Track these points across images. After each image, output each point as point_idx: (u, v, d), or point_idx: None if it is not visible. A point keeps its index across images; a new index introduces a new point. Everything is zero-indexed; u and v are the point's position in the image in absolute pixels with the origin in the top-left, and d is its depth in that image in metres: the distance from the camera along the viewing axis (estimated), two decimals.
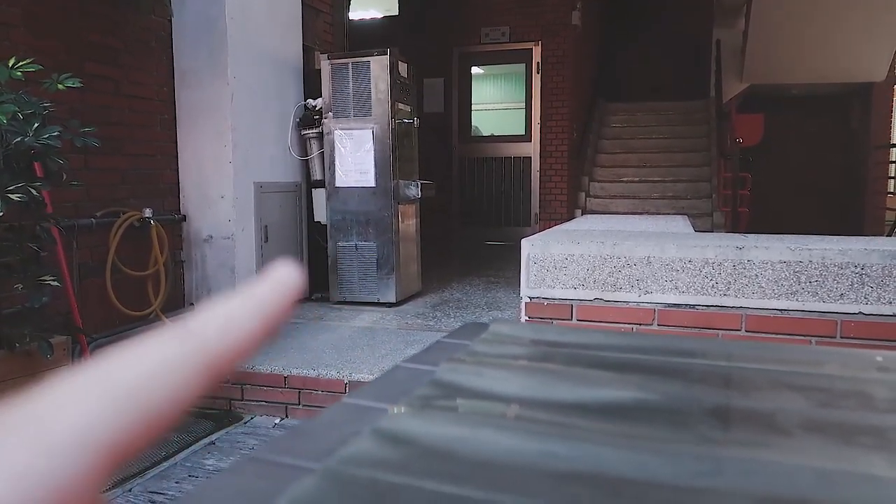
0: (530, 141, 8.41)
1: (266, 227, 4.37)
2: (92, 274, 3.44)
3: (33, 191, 2.33)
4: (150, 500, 2.33)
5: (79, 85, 2.62)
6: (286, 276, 0.21)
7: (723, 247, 2.17)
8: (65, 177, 2.66)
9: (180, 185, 4.18)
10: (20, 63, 2.43)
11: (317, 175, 4.68)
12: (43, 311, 2.58)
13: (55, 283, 2.59)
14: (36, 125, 2.36)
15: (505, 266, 6.31)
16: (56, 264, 2.91)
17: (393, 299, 4.47)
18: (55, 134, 2.38)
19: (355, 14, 7.48)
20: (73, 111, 3.28)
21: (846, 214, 10.22)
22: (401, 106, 4.50)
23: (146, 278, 3.76)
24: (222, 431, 2.93)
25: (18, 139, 2.32)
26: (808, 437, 0.56)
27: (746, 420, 0.61)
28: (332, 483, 0.46)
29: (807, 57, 8.79)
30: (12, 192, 2.25)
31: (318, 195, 4.68)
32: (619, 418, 0.58)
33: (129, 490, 2.38)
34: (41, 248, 2.61)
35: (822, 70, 8.96)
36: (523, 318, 2.39)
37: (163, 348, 0.18)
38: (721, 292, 2.17)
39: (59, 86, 2.55)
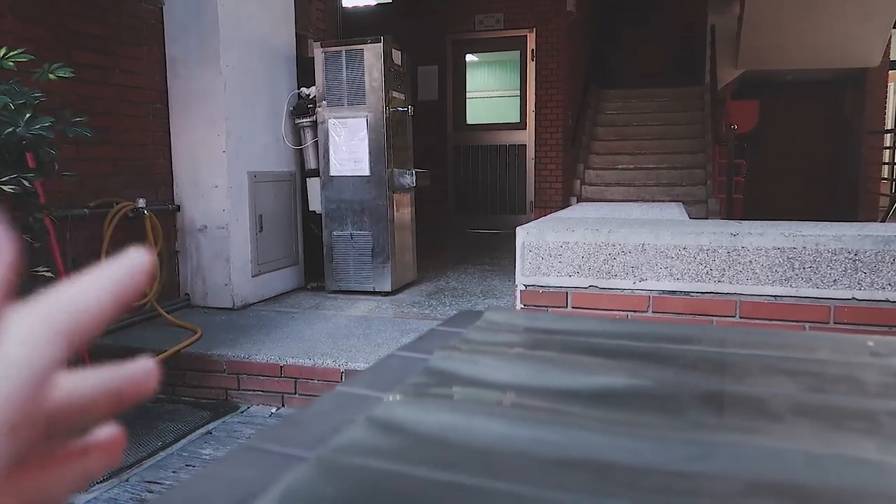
0: (525, 128, 8.39)
1: (260, 216, 4.36)
2: (86, 265, 3.41)
3: (25, 182, 2.32)
4: (147, 490, 2.33)
5: (71, 75, 2.59)
6: (137, 258, 0.24)
7: (717, 234, 2.18)
8: (57, 167, 2.64)
9: (174, 174, 4.16)
10: (11, 53, 2.41)
11: (311, 164, 4.67)
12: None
13: (49, 275, 2.58)
14: (27, 116, 2.34)
15: (500, 254, 6.31)
16: (50, 256, 2.90)
17: (388, 288, 4.47)
18: (47, 124, 2.36)
19: (348, 1, 7.42)
20: (64, 101, 3.25)
21: (840, 200, 10.24)
22: (395, 94, 4.48)
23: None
24: (219, 421, 2.94)
25: (10, 130, 2.30)
26: (799, 421, 0.56)
27: (738, 405, 0.62)
28: (326, 471, 0.46)
29: (802, 43, 8.78)
30: (5, 183, 2.24)
31: (313, 184, 4.66)
32: (611, 405, 0.58)
33: (127, 480, 2.39)
34: (34, 240, 2.60)
35: (816, 56, 8.95)
36: (518, 305, 2.39)
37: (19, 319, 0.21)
38: (715, 279, 2.18)
39: (51, 76, 2.53)
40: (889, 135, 9.62)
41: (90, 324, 0.22)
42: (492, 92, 9.04)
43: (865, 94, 9.67)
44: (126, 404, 0.24)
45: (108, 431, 0.26)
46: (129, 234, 3.67)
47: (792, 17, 8.60)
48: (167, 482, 2.39)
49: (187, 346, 3.26)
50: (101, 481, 2.37)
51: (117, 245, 3.55)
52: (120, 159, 3.76)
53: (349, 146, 4.43)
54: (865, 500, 0.44)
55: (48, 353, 0.20)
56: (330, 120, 4.44)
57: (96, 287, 0.23)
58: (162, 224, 3.91)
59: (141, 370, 0.25)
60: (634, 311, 2.26)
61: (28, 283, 2.50)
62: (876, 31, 8.62)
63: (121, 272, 0.23)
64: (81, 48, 3.49)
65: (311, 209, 4.73)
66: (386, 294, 4.49)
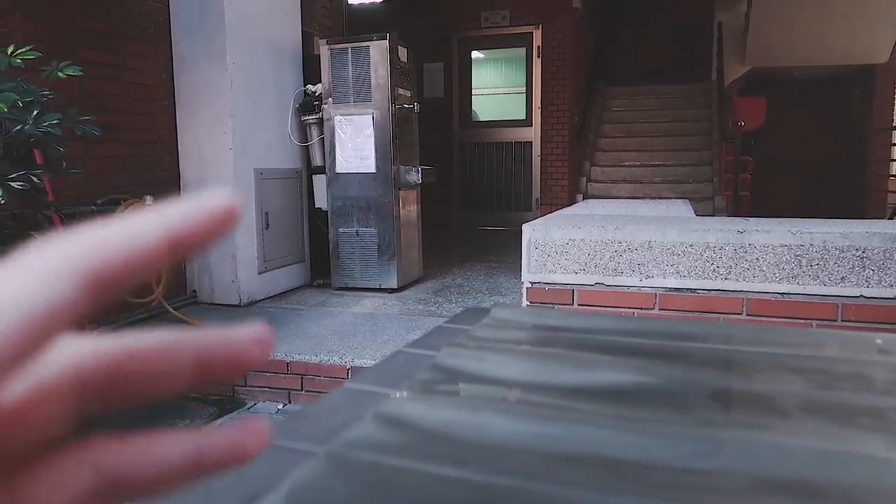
0: (531, 125, 8.37)
1: (267, 213, 4.37)
2: None
3: (34, 178, 2.33)
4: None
5: (80, 73, 2.60)
6: (214, 196, 0.20)
7: (724, 231, 2.17)
8: (65, 164, 2.65)
9: (180, 171, 4.17)
10: (19, 51, 2.42)
11: (317, 161, 4.67)
12: None
13: None
14: (36, 113, 2.35)
15: (506, 251, 6.31)
16: None
17: (394, 285, 4.47)
18: (55, 122, 2.38)
19: None
20: (72, 98, 3.27)
21: (848, 198, 10.19)
22: (401, 91, 4.48)
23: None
24: (226, 417, 2.95)
25: (18, 127, 2.31)
26: (806, 418, 0.56)
27: (746, 402, 0.62)
28: (335, 466, 0.46)
29: (809, 39, 8.73)
30: (13, 180, 2.25)
31: (319, 181, 4.67)
32: (619, 401, 0.58)
33: None
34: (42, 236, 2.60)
35: (824, 53, 8.90)
36: (525, 303, 2.39)
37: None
38: (722, 276, 2.17)
39: (60, 74, 2.54)
40: None
41: (125, 263, 0.18)
42: (498, 89, 9.03)
43: (873, 90, 9.61)
44: (218, 378, 0.21)
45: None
46: None
47: (800, 13, 8.55)
48: None
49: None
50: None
51: None
52: (127, 156, 3.78)
53: (355, 143, 4.43)
54: (873, 496, 0.44)
55: (54, 289, 0.17)
56: (336, 117, 4.44)
57: (143, 222, 0.19)
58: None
59: (248, 336, 0.21)
60: (641, 309, 2.26)
61: None
62: (884, 28, 8.56)
63: (186, 210, 0.19)
64: (89, 46, 3.50)
65: (317, 206, 4.73)
66: (392, 291, 4.50)
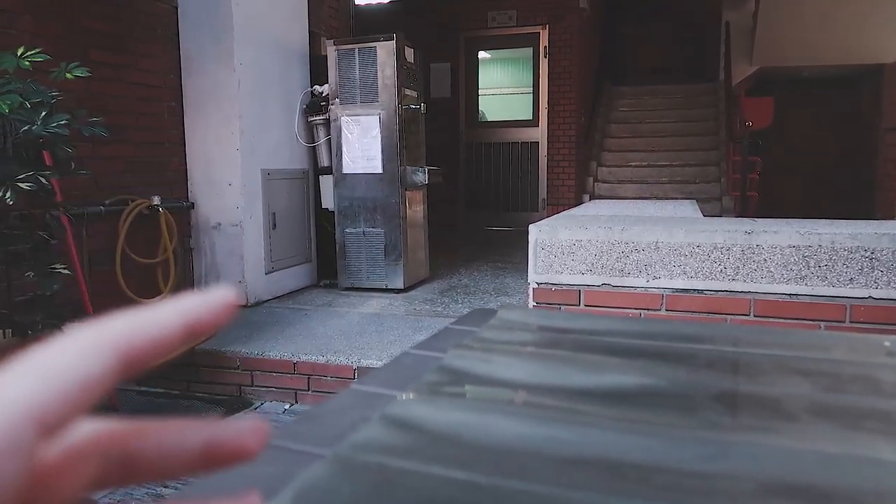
0: (538, 126, 8.37)
1: (274, 213, 4.38)
2: (102, 262, 3.46)
3: (42, 179, 2.34)
4: (162, 485, 2.36)
5: (87, 74, 2.62)
6: (219, 294, 0.23)
7: (731, 231, 2.16)
8: (73, 165, 2.67)
9: (188, 172, 4.19)
10: (28, 52, 2.43)
11: (324, 162, 4.68)
12: (54, 298, 2.60)
13: (66, 271, 2.61)
14: (44, 114, 2.36)
15: (513, 252, 6.30)
16: (66, 252, 2.93)
17: (401, 285, 4.48)
18: (63, 122, 2.39)
19: None
20: (80, 99, 3.28)
21: (856, 198, 10.13)
22: (407, 91, 4.48)
23: (155, 266, 3.79)
24: (232, 417, 2.96)
25: (27, 128, 2.32)
26: (814, 421, 0.56)
27: (753, 405, 0.62)
28: (342, 468, 0.46)
29: (818, 39, 8.68)
30: (22, 180, 2.27)
31: (326, 182, 4.68)
32: (625, 404, 0.58)
33: None
34: (51, 237, 2.62)
35: (833, 52, 8.85)
36: (531, 303, 2.39)
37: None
38: (730, 277, 2.17)
39: (68, 75, 2.56)
40: None
41: (150, 346, 0.21)
42: (504, 89, 9.02)
43: (882, 90, 9.55)
44: (220, 464, 0.23)
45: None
46: (144, 231, 3.70)
47: (808, 12, 8.51)
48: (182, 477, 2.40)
49: (201, 343, 3.28)
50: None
51: (132, 242, 3.58)
52: (135, 157, 3.79)
53: (362, 144, 4.44)
54: (881, 500, 0.43)
55: (95, 363, 0.20)
56: (343, 118, 4.45)
57: (165, 313, 0.22)
58: (176, 221, 3.94)
59: (246, 429, 0.24)
60: (648, 310, 2.26)
61: (45, 279, 2.52)
62: (893, 27, 8.51)
63: (197, 303, 0.23)
64: (96, 47, 3.52)
65: (323, 207, 4.74)
66: (398, 291, 4.50)
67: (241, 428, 0.24)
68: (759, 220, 2.39)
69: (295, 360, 3.12)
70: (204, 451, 0.23)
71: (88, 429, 0.22)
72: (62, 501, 0.21)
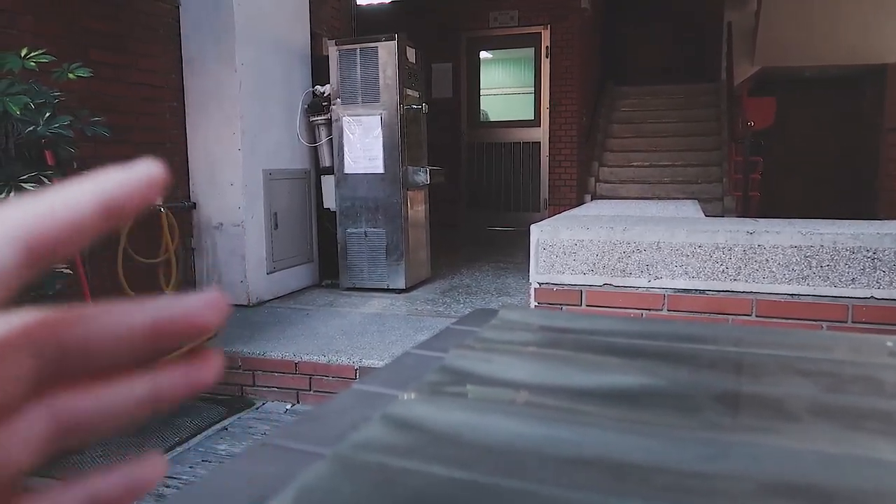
0: (539, 126, 8.36)
1: (275, 213, 4.38)
2: (104, 262, 3.47)
3: (45, 179, 2.35)
4: (163, 485, 2.36)
5: (89, 75, 2.62)
6: (142, 168, 0.21)
7: (733, 231, 2.16)
8: (75, 165, 2.67)
9: (190, 172, 4.19)
10: (33, 53, 2.44)
11: (325, 162, 4.68)
12: (56, 298, 2.60)
13: (68, 271, 2.62)
14: (47, 114, 2.37)
15: (514, 252, 6.30)
16: None
17: (402, 285, 4.48)
18: (66, 123, 2.39)
19: None
20: (81, 99, 3.29)
21: (858, 198, 10.12)
22: (409, 92, 4.49)
23: (157, 266, 3.79)
24: (234, 417, 2.96)
25: (30, 129, 2.33)
26: (815, 421, 0.56)
27: (754, 405, 0.62)
28: (343, 468, 0.46)
29: (820, 39, 8.67)
30: (25, 181, 2.27)
31: (327, 182, 4.68)
32: (626, 404, 0.58)
33: None
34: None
35: (835, 52, 8.84)
36: (533, 303, 2.39)
37: None
38: (731, 277, 2.16)
39: (70, 75, 2.56)
40: None
41: (60, 232, 0.18)
42: (506, 89, 9.02)
43: (885, 90, 9.53)
44: (174, 342, 0.21)
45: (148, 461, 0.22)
46: (145, 231, 3.71)
47: (810, 12, 8.50)
48: (184, 477, 2.41)
49: (203, 342, 3.28)
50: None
51: (134, 242, 3.59)
52: (136, 157, 3.75)
53: (363, 144, 4.44)
54: (882, 501, 0.43)
55: None
56: (344, 118, 4.45)
57: (76, 192, 0.19)
58: (178, 221, 3.95)
59: (200, 301, 0.21)
60: (649, 310, 2.25)
61: (47, 279, 2.53)
62: (895, 27, 8.50)
63: (119, 178, 0.20)
64: (99, 47, 3.52)
65: (325, 207, 4.75)
66: (400, 291, 4.50)
67: (193, 301, 0.21)
68: (761, 221, 2.39)
69: (296, 359, 3.12)
70: (153, 330, 0.20)
71: (11, 322, 0.19)
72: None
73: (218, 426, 2.86)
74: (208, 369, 0.22)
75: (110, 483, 0.21)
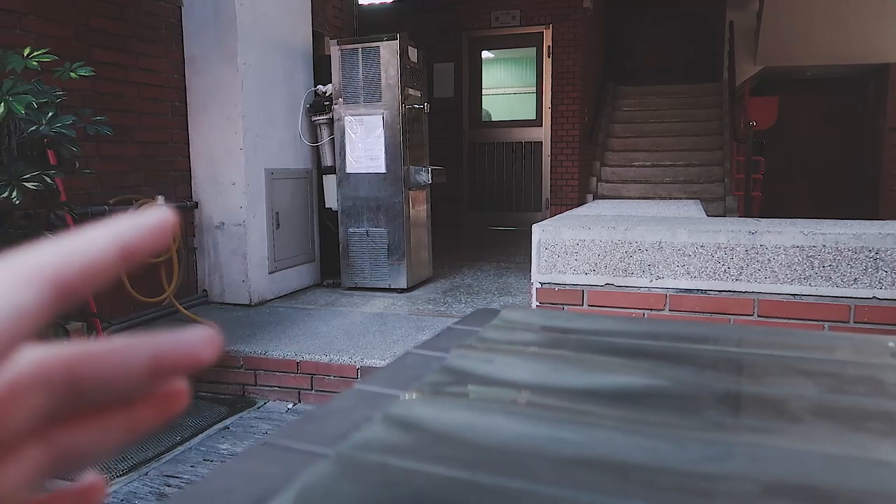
0: (541, 126, 8.36)
1: (277, 213, 4.39)
2: None
3: (47, 179, 2.35)
4: (165, 484, 2.36)
5: (92, 74, 2.62)
6: (155, 213, 0.22)
7: (735, 231, 2.16)
8: (78, 165, 2.68)
9: (192, 171, 4.19)
10: (35, 53, 2.44)
11: (327, 161, 4.69)
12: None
13: None
14: (49, 114, 2.37)
15: (516, 251, 6.30)
16: None
17: (404, 285, 4.48)
18: (68, 122, 2.40)
19: None
20: (84, 99, 3.29)
21: (861, 198, 10.11)
22: (411, 91, 4.49)
23: (159, 265, 3.79)
24: (236, 416, 2.97)
25: (33, 128, 2.33)
26: (818, 422, 0.56)
27: (756, 405, 0.61)
28: (344, 468, 0.46)
29: (822, 38, 8.66)
30: (27, 180, 2.27)
31: (329, 181, 4.68)
32: (628, 404, 0.58)
33: (146, 474, 2.42)
34: (56, 236, 2.63)
35: (837, 52, 8.83)
36: (534, 303, 2.39)
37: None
38: (733, 277, 2.16)
39: (73, 74, 2.56)
40: None
41: (83, 273, 0.20)
42: (508, 89, 9.02)
43: (887, 90, 9.52)
44: (174, 373, 0.23)
45: (90, 479, 0.24)
46: None
47: (811, 12, 8.49)
48: (185, 476, 2.41)
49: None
50: (120, 475, 2.40)
51: None
52: (139, 157, 3.80)
53: (365, 143, 4.44)
54: (885, 502, 0.43)
55: (23, 296, 0.19)
56: (346, 117, 4.45)
57: (96, 237, 0.21)
58: (180, 221, 3.93)
59: (195, 338, 0.23)
60: (651, 310, 2.25)
61: None
62: None
63: (134, 224, 0.22)
64: (102, 46, 3.53)
65: (327, 206, 4.75)
66: (401, 291, 4.50)
67: (189, 337, 0.23)
68: (763, 220, 2.39)
69: (298, 359, 3.12)
70: (152, 365, 0.22)
71: (28, 359, 0.21)
72: (11, 435, 0.20)
73: (219, 425, 2.86)
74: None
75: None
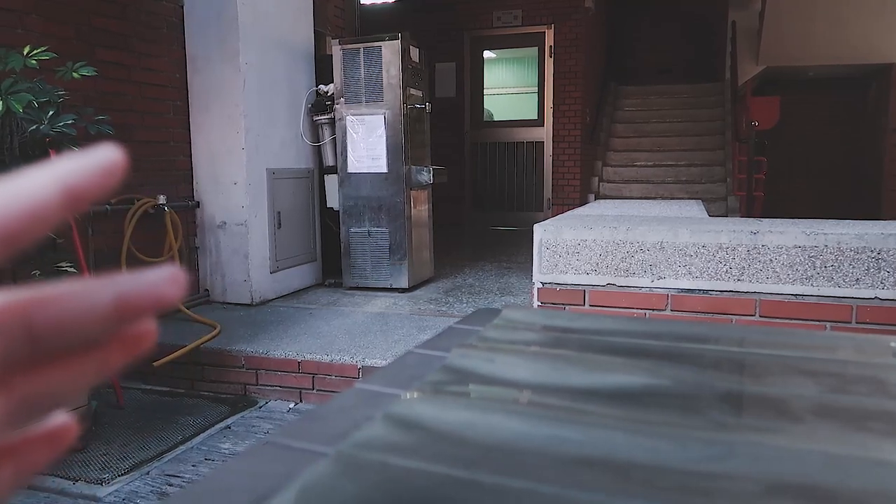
0: (543, 125, 8.36)
1: (279, 213, 4.39)
2: (107, 260, 3.47)
3: None
4: (167, 483, 2.36)
5: (94, 73, 2.63)
6: (102, 152, 0.21)
7: (737, 231, 2.16)
8: None
9: (193, 171, 4.20)
10: (35, 51, 2.44)
11: (329, 161, 4.69)
12: None
13: (72, 270, 2.62)
14: (51, 113, 2.37)
15: (517, 251, 6.30)
16: (72, 251, 2.94)
17: (405, 285, 4.48)
18: (70, 122, 2.40)
19: None
20: (86, 98, 3.30)
21: (863, 198, 10.09)
22: (412, 91, 4.49)
23: (160, 265, 3.79)
24: (237, 416, 2.97)
25: (34, 127, 2.33)
26: (819, 422, 0.56)
27: (758, 405, 0.61)
28: (345, 467, 0.46)
29: (824, 38, 8.65)
30: None
31: (331, 181, 4.68)
32: (630, 404, 0.58)
33: (147, 473, 2.42)
34: (57, 235, 2.63)
35: (839, 52, 8.82)
36: (536, 303, 2.39)
37: None
38: (735, 277, 2.16)
39: (75, 74, 2.57)
40: None
41: (24, 219, 0.19)
42: (509, 89, 9.02)
43: (889, 90, 9.51)
44: (137, 316, 0.22)
45: (60, 420, 0.23)
46: (149, 230, 3.71)
47: (813, 12, 8.48)
48: (187, 475, 2.41)
49: (206, 341, 3.29)
50: (121, 474, 2.40)
51: (138, 241, 3.59)
52: (141, 156, 3.80)
53: (367, 143, 4.44)
54: (887, 502, 0.43)
55: None
56: (348, 117, 4.45)
57: (38, 179, 0.19)
58: (182, 220, 3.95)
59: (159, 277, 0.22)
60: (653, 310, 2.25)
61: (51, 277, 2.53)
62: None
63: (80, 164, 0.20)
64: (104, 46, 3.53)
65: (328, 206, 4.75)
66: (403, 291, 4.50)
67: (153, 276, 0.22)
68: (765, 221, 2.38)
69: (299, 358, 3.12)
70: (116, 307, 0.21)
71: None
72: None
73: (221, 425, 2.86)
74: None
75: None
